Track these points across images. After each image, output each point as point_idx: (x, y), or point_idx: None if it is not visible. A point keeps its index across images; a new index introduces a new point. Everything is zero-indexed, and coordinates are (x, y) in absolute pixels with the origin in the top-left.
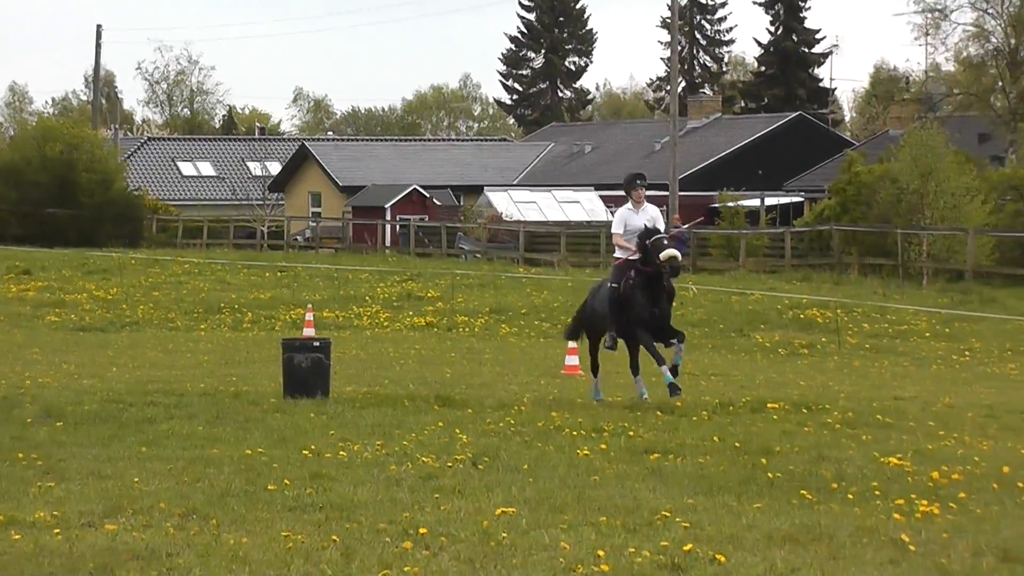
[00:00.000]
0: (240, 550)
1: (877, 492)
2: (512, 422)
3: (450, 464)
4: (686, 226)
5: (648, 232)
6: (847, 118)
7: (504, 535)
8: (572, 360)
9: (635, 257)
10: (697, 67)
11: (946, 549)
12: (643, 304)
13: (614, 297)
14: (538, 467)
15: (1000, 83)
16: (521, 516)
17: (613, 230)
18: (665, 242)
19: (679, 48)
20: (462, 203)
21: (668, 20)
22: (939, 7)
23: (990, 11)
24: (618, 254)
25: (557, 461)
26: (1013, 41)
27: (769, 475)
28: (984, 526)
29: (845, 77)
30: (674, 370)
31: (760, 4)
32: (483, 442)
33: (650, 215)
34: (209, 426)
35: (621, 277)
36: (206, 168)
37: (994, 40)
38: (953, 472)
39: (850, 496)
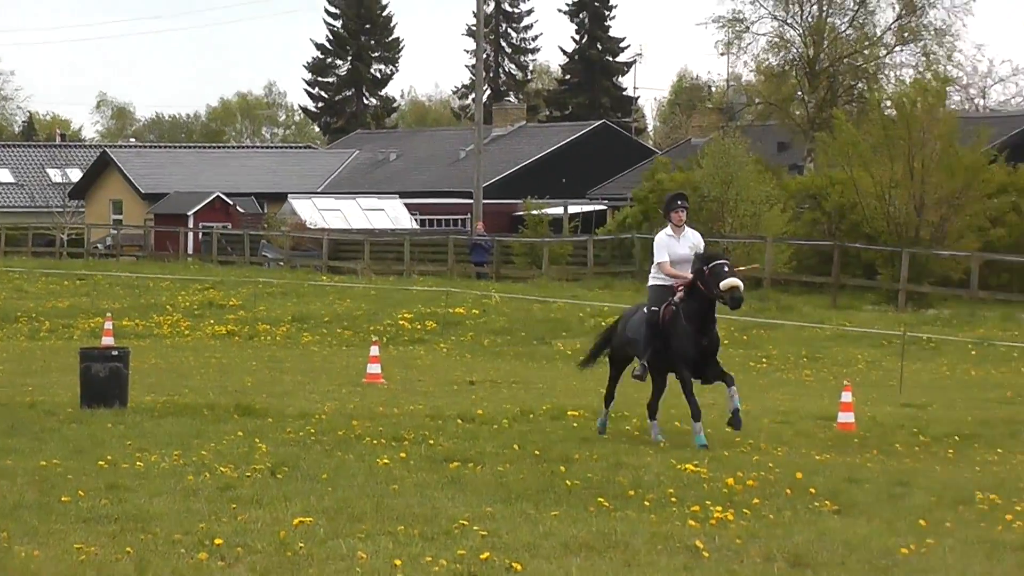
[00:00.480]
0: (32, 563)
1: (673, 499)
2: (312, 431)
3: (249, 474)
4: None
5: (706, 257)
6: (650, 127)
7: (301, 545)
8: (374, 368)
9: (680, 285)
10: (502, 75)
11: (739, 555)
12: (688, 334)
13: (652, 321)
14: (337, 476)
15: (800, 92)
16: (319, 526)
17: (657, 259)
18: (726, 269)
19: (484, 56)
20: (266, 211)
21: (473, 28)
22: (740, 18)
23: (789, 21)
24: (655, 281)
25: (356, 470)
26: (812, 51)
27: (567, 483)
28: (776, 531)
29: (649, 86)
30: (735, 416)
31: (565, 13)
32: (283, 451)
33: (692, 241)
34: (3, 437)
35: (662, 300)
36: (4, 175)
37: (794, 50)
38: (748, 478)
39: (647, 503)
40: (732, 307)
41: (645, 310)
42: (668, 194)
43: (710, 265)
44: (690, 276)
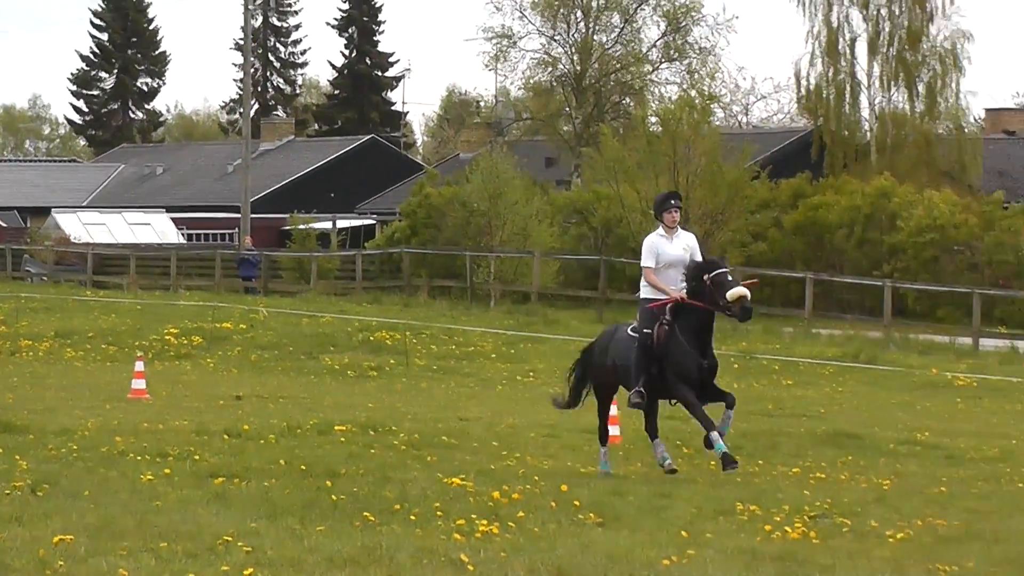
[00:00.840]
0: None
1: (439, 512)
2: (75, 448)
3: (8, 492)
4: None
5: (706, 265)
6: (419, 141)
7: (61, 563)
8: (139, 384)
9: (667, 299)
10: (271, 89)
11: (503, 568)
12: (689, 353)
13: (645, 344)
14: (100, 493)
15: (567, 108)
16: (80, 544)
17: (643, 263)
18: (730, 277)
19: (252, 70)
20: (29, 225)
21: (242, 42)
22: (508, 34)
23: (556, 38)
24: (645, 293)
25: (119, 487)
26: (579, 68)
27: (333, 497)
28: (541, 544)
29: (418, 101)
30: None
31: (334, 27)
32: (44, 468)
33: (686, 243)
34: None
35: (654, 321)
36: None
37: (561, 66)
38: (514, 492)
39: (412, 517)
40: (741, 319)
41: (629, 330)
42: (660, 194)
43: (712, 275)
44: (673, 292)
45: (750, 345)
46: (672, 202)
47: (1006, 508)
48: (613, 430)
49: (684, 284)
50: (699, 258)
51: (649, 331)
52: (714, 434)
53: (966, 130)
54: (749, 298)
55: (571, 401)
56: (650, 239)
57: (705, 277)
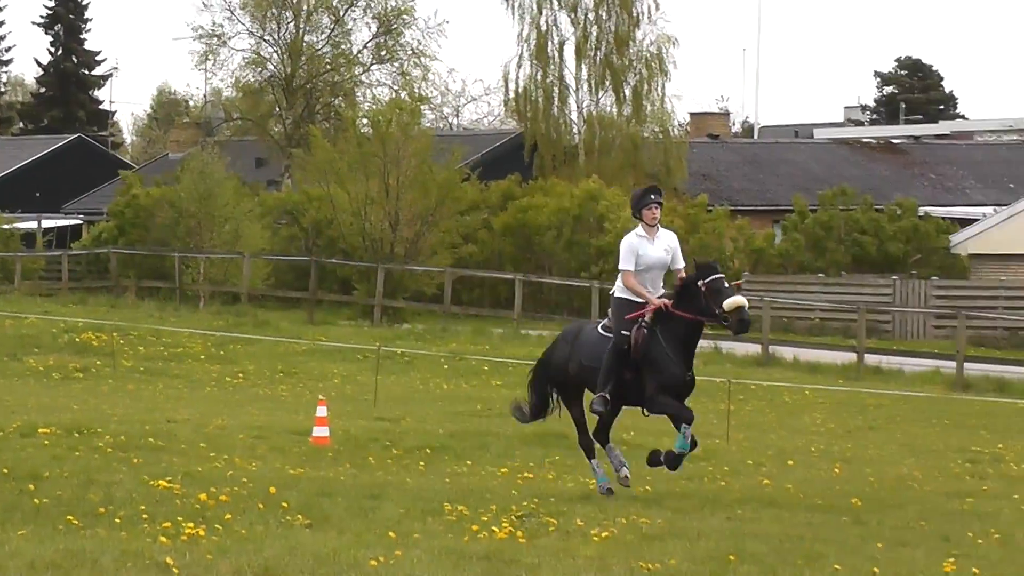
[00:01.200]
0: None
1: (145, 515)
2: None
3: None
4: None
5: (700, 270)
6: (128, 141)
7: None
8: None
9: (648, 308)
10: None
11: (209, 570)
12: (675, 361)
13: (621, 348)
14: None
15: (278, 109)
16: None
17: (621, 265)
18: (726, 284)
19: None
20: None
21: None
22: (218, 33)
23: (267, 38)
24: (620, 292)
25: None
26: (289, 69)
27: (36, 501)
28: (248, 546)
29: (127, 100)
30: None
31: (40, 25)
32: None
33: (668, 243)
34: None
35: (631, 323)
36: None
37: (271, 67)
38: (221, 494)
39: (118, 520)
40: (737, 331)
41: (600, 328)
42: (638, 188)
43: (707, 280)
44: (654, 299)
45: (460, 346)
46: (652, 197)
47: (708, 506)
48: (321, 431)
49: (664, 289)
50: (681, 260)
51: (627, 333)
52: (688, 429)
53: (672, 134)
54: (748, 308)
55: (535, 412)
56: (628, 240)
57: (700, 283)
